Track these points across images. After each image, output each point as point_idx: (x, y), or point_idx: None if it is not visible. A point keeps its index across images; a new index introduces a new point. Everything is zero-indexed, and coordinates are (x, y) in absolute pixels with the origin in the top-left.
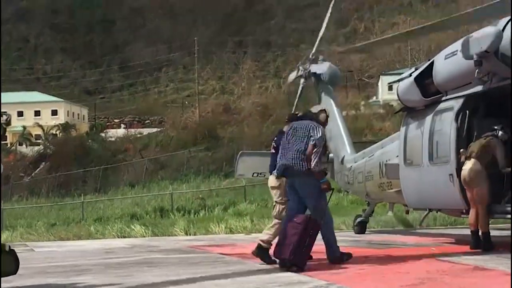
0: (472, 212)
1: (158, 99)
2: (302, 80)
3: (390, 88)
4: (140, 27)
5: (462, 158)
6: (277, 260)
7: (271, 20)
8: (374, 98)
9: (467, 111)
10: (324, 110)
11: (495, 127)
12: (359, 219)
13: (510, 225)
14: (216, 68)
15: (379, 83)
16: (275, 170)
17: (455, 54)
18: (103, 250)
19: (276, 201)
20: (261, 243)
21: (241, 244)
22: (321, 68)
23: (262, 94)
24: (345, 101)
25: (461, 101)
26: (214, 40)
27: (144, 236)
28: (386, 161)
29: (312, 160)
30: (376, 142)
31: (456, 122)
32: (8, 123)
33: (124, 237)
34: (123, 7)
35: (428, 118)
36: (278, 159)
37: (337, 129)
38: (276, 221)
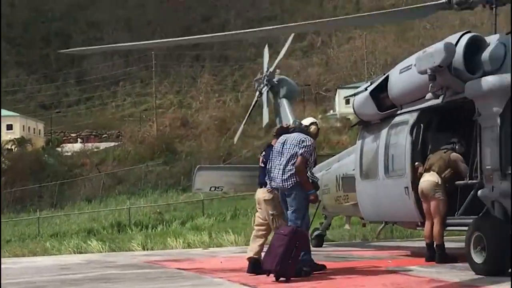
0: (427, 224)
1: (115, 113)
2: (257, 94)
3: (347, 101)
4: (97, 41)
5: (420, 170)
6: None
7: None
8: (331, 111)
9: (422, 125)
10: (316, 122)
11: (453, 141)
12: (316, 232)
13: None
14: (174, 82)
15: (336, 97)
16: (270, 183)
17: (410, 69)
18: (58, 266)
19: (273, 214)
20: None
21: (198, 259)
22: (279, 81)
23: (220, 108)
24: (303, 115)
25: (415, 114)
26: (171, 54)
27: (101, 252)
28: (343, 174)
29: (302, 172)
30: (333, 155)
31: (411, 135)
32: None
33: (81, 252)
34: (79, 21)
35: (384, 132)
36: (268, 172)
37: None
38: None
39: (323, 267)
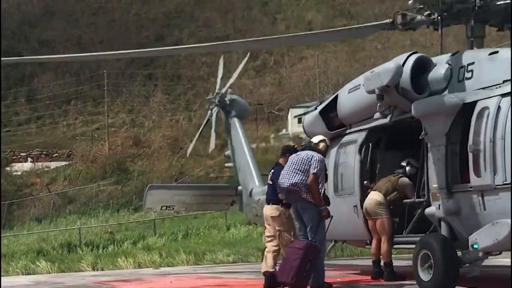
0: (374, 242)
1: (66, 132)
2: (209, 113)
3: (299, 120)
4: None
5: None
6: None
7: (181, 55)
8: (284, 130)
9: (370, 144)
10: (324, 140)
11: (403, 164)
12: None
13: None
14: (126, 101)
15: (289, 116)
16: (281, 198)
17: (358, 88)
18: None
19: (279, 230)
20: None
21: (148, 279)
22: (231, 101)
23: (172, 127)
24: (255, 134)
25: (364, 134)
26: (124, 72)
27: (50, 273)
28: None
29: (314, 189)
30: None
31: (359, 154)
32: None
33: (29, 273)
34: (30, 39)
35: (333, 151)
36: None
37: (245, 161)
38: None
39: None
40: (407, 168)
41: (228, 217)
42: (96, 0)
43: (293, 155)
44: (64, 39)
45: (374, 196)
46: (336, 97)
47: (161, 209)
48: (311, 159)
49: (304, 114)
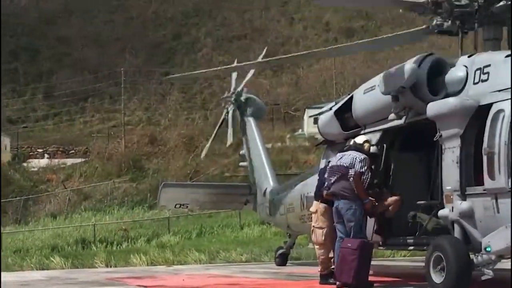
0: None
1: (83, 129)
2: (224, 112)
3: (315, 121)
4: (66, 56)
5: None
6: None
7: (198, 52)
8: (300, 131)
9: (384, 145)
10: (368, 140)
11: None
12: (280, 251)
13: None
14: (143, 99)
15: (305, 116)
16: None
17: (373, 89)
18: (19, 283)
19: (314, 226)
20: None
21: (161, 276)
22: (246, 100)
23: (188, 126)
24: (271, 134)
25: (378, 135)
26: (141, 70)
27: (64, 268)
28: (307, 193)
29: (359, 185)
30: (300, 175)
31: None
32: None
33: (43, 269)
34: (48, 36)
35: None
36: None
37: (260, 161)
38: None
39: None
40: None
41: (242, 216)
42: None
43: (338, 154)
44: (82, 36)
45: None
46: (351, 97)
47: (175, 207)
48: (356, 159)
49: (319, 114)
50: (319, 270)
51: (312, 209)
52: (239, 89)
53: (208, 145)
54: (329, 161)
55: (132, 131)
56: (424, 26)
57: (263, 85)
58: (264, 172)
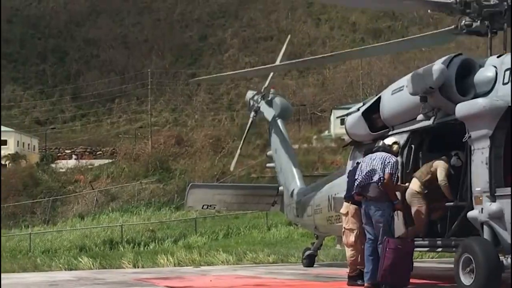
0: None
1: (110, 130)
2: (252, 114)
3: (342, 122)
4: (93, 57)
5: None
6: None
7: (225, 53)
8: (326, 132)
9: (413, 146)
10: (397, 142)
11: (452, 153)
12: (307, 252)
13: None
14: (170, 100)
15: (331, 117)
16: (354, 196)
17: (402, 90)
18: (47, 282)
19: (344, 228)
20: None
21: (188, 277)
22: (273, 101)
23: (215, 127)
24: (298, 135)
25: (406, 135)
26: (167, 72)
27: (92, 269)
28: (335, 194)
29: (390, 186)
30: (327, 176)
31: (401, 156)
32: None
33: (71, 269)
34: (76, 37)
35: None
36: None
37: (287, 162)
38: (347, 249)
39: None
40: (453, 158)
41: (269, 217)
42: (142, 0)
43: (368, 156)
44: (109, 38)
45: (411, 186)
46: (379, 98)
47: (202, 208)
48: (386, 160)
49: (347, 115)
50: (348, 271)
51: (343, 210)
52: (265, 86)
53: (237, 155)
54: (358, 162)
55: (159, 132)
56: (452, 27)
57: (290, 85)
58: (291, 173)
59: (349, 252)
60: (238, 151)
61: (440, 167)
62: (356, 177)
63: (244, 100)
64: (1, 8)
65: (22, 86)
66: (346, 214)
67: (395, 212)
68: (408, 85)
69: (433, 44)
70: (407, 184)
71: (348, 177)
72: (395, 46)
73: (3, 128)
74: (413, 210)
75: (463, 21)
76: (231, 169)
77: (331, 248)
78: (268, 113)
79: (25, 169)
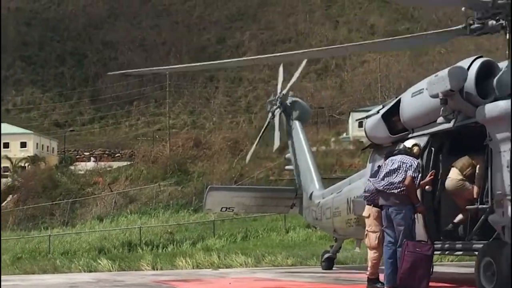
0: None
1: (128, 133)
2: (269, 115)
3: (360, 124)
4: (112, 60)
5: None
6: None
7: (243, 56)
8: (345, 134)
9: (433, 149)
10: (417, 144)
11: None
12: (326, 255)
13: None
14: (188, 103)
15: (350, 120)
16: (373, 199)
17: (422, 92)
18: (67, 284)
19: (367, 230)
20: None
21: (207, 279)
22: (291, 104)
23: (233, 129)
24: (316, 137)
25: (426, 138)
26: (185, 74)
27: (111, 271)
28: (354, 197)
29: (411, 189)
30: (345, 178)
31: (421, 159)
32: None
33: (90, 271)
34: (94, 40)
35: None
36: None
37: (306, 164)
38: (370, 251)
39: None
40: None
41: (287, 219)
42: (160, 3)
43: (389, 159)
44: (128, 41)
45: (452, 175)
46: (399, 101)
47: (221, 210)
48: (407, 163)
49: (366, 117)
50: (368, 273)
51: (365, 213)
52: (284, 92)
53: (252, 150)
54: (379, 166)
55: (177, 134)
56: (464, 25)
57: (307, 88)
58: (310, 175)
59: (371, 254)
60: (254, 145)
61: (480, 163)
62: (376, 180)
63: (262, 102)
64: (1, 8)
65: (41, 88)
66: (368, 217)
67: (416, 215)
68: (428, 88)
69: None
70: (427, 187)
71: (369, 180)
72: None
73: (22, 130)
74: (460, 198)
75: (475, 22)
76: (247, 161)
77: (350, 251)
78: (287, 115)
79: (44, 171)
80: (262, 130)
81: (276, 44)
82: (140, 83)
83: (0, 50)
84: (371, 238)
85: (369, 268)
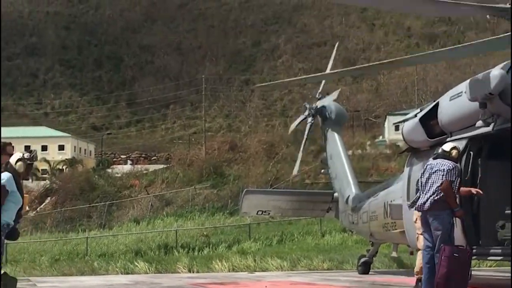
0: None
1: (165, 136)
2: (309, 119)
3: (397, 128)
4: (148, 64)
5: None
6: None
7: (278, 59)
8: (381, 137)
9: (472, 153)
10: (456, 147)
11: None
12: (363, 259)
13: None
14: (223, 106)
15: (386, 123)
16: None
17: (460, 96)
18: (105, 286)
19: (417, 233)
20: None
21: (243, 282)
22: (328, 107)
23: (268, 133)
24: (352, 141)
25: (465, 142)
26: (221, 77)
27: (147, 273)
28: (391, 201)
29: (449, 193)
30: (382, 182)
31: (460, 163)
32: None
33: (128, 273)
34: (131, 44)
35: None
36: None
37: (342, 168)
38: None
39: None
40: None
41: (323, 223)
42: (197, 7)
43: (428, 164)
44: (164, 45)
45: None
46: (437, 104)
47: (257, 213)
48: (445, 168)
49: (403, 121)
50: (417, 275)
51: (413, 218)
52: (318, 92)
53: (298, 162)
54: (424, 170)
55: (213, 137)
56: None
57: (343, 91)
58: (346, 179)
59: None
60: (300, 154)
61: None
62: (417, 186)
63: (297, 106)
64: (1, 8)
65: (79, 92)
66: (416, 221)
67: (455, 219)
68: (467, 91)
69: (491, 50)
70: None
71: (416, 184)
72: (451, 53)
73: (61, 133)
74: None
75: None
76: (294, 173)
77: (386, 255)
78: (323, 119)
79: (82, 174)
80: (304, 139)
81: (311, 48)
82: (176, 86)
83: (0, 51)
84: (422, 241)
85: (418, 269)
